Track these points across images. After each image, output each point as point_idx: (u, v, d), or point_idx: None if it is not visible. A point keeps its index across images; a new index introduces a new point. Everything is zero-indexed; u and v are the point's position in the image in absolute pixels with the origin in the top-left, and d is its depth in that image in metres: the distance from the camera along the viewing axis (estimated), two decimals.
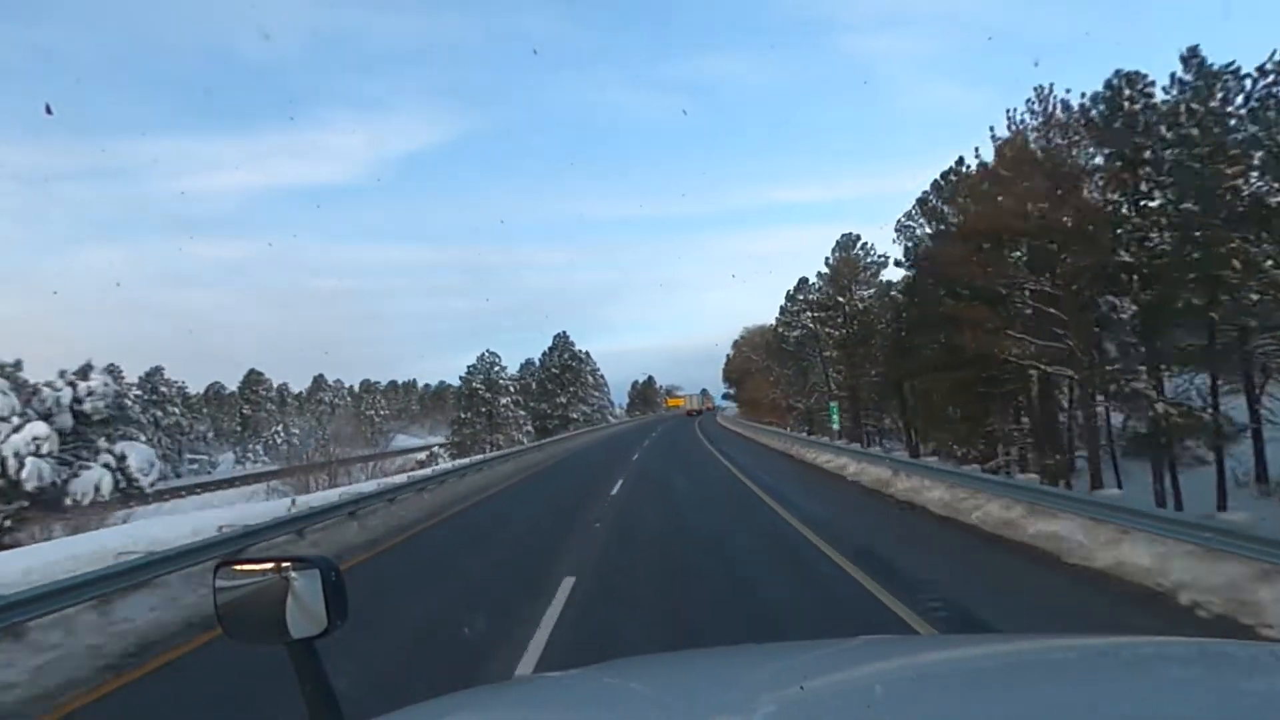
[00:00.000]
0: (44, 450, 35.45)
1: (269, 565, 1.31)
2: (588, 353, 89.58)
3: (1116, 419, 20.67)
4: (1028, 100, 18.81)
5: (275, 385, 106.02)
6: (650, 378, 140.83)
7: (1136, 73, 18.43)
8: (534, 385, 69.02)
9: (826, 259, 43.84)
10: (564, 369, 68.86)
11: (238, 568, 1.35)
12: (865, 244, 43.64)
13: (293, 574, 1.27)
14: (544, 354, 70.20)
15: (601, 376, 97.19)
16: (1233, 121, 16.98)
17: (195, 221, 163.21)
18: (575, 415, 66.98)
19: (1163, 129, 17.28)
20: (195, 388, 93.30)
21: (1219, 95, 17.01)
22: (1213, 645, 1.62)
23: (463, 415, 60.94)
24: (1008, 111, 19.28)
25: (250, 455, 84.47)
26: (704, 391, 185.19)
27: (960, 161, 27.11)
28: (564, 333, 70.48)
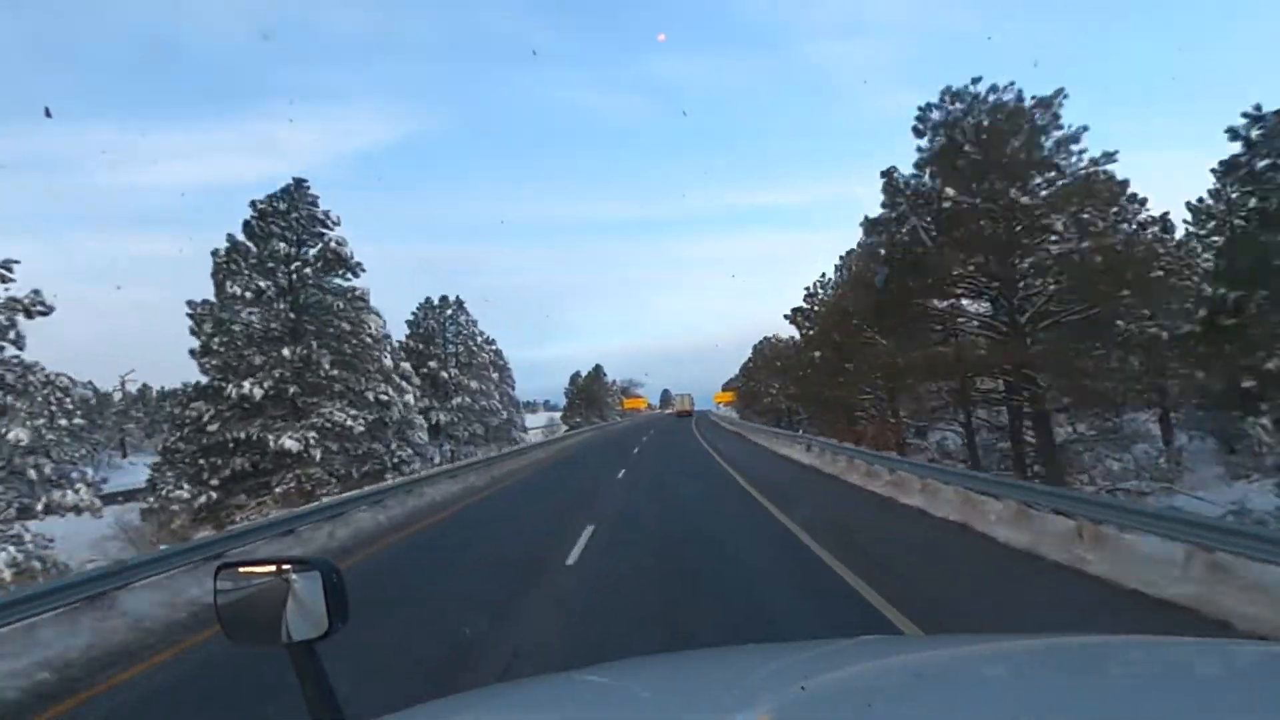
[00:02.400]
0: None
1: (270, 567, 1.30)
2: (462, 302, 42.81)
3: None
4: None
5: None
6: (598, 367, 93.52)
7: None
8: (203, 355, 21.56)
9: None
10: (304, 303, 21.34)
11: (239, 570, 1.34)
12: None
13: (293, 576, 1.26)
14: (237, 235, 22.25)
15: (496, 351, 50.15)
16: None
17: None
18: (303, 440, 19.75)
19: None
20: None
21: None
22: (1213, 644, 1.63)
23: None
24: None
25: None
26: (666, 392, 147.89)
27: None
28: (298, 181, 23.16)
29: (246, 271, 21.18)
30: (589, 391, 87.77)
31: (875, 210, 20.19)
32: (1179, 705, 1.03)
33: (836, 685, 1.26)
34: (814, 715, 1.06)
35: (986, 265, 17.70)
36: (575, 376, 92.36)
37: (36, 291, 15.86)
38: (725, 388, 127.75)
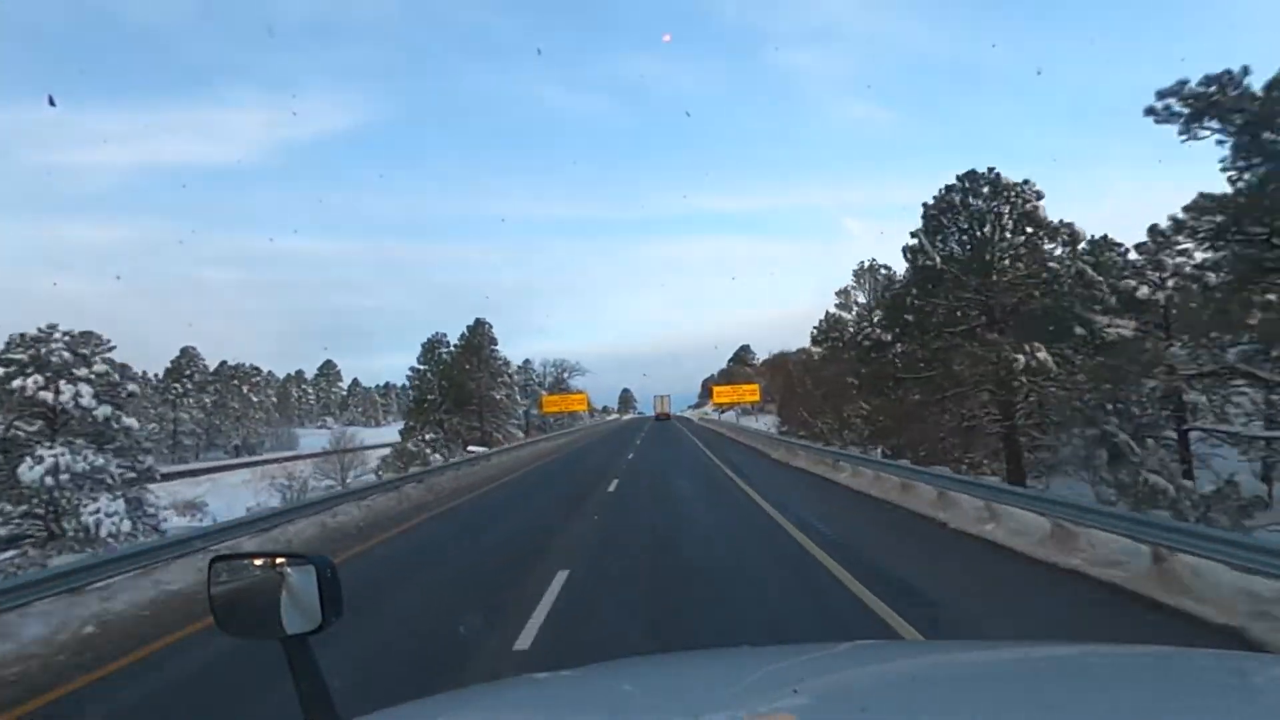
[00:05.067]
0: None
1: (265, 561, 1.28)
2: None
3: None
4: None
5: None
6: (480, 322, 50.86)
7: None
8: None
9: None
10: None
11: (233, 562, 1.32)
12: None
13: (288, 569, 1.24)
14: None
15: None
16: None
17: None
18: None
19: None
20: None
21: None
22: (1211, 655, 1.60)
23: None
24: None
25: None
26: (626, 392, 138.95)
27: None
28: None
29: None
30: (453, 379, 44.12)
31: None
32: (1174, 713, 1.02)
33: (830, 689, 1.26)
34: (808, 718, 1.06)
35: None
36: (431, 344, 47.45)
37: None
38: (706, 385, 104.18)
